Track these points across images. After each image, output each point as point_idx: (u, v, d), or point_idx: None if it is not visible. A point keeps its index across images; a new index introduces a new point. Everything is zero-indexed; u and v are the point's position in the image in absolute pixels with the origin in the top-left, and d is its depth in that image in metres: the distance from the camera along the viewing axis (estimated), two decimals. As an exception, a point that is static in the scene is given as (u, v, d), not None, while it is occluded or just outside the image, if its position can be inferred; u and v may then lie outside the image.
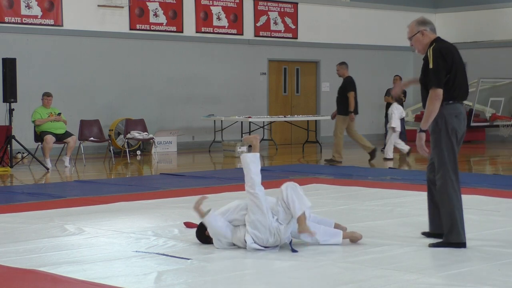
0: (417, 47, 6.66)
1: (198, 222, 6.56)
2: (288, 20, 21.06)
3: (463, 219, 6.37)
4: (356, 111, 14.99)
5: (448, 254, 6.12)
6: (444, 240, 6.36)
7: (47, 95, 14.96)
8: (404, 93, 18.37)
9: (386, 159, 15.81)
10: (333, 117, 15.71)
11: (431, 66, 6.40)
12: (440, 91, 6.34)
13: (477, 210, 8.38)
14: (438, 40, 6.63)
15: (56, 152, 15.48)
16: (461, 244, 6.32)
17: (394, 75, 18.98)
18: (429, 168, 6.83)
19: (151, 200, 9.42)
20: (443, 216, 6.39)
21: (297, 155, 17.97)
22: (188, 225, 7.30)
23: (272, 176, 12.27)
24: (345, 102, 14.87)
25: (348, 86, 14.95)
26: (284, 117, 19.59)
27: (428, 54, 6.47)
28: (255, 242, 6.16)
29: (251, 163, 6.35)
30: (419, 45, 6.64)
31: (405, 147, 16.11)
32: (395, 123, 16.02)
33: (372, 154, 15.29)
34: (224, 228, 6.27)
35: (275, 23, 20.84)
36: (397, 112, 16.07)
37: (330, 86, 21.18)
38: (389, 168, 14.33)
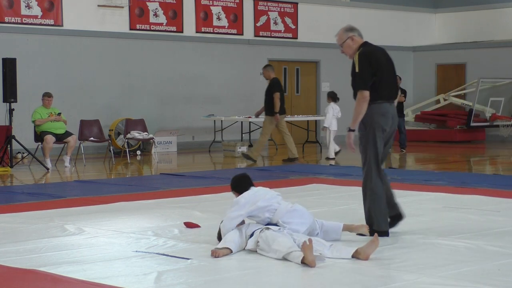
0: (348, 53, 6.98)
1: (198, 222, 6.54)
2: (288, 20, 21.06)
3: (384, 210, 6.81)
4: (282, 111, 15.39)
5: (448, 254, 6.12)
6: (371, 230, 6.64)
7: (47, 95, 14.96)
8: (404, 93, 18.38)
9: (328, 159, 16.07)
10: (256, 115, 16.68)
11: (357, 70, 6.78)
12: (366, 93, 6.72)
13: (477, 210, 8.38)
14: (365, 44, 7.06)
15: (56, 152, 15.48)
16: (383, 233, 6.63)
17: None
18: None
19: (151, 200, 9.42)
20: (365, 208, 6.83)
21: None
22: (188, 225, 7.30)
23: (272, 176, 12.27)
24: (272, 103, 15.30)
25: (274, 87, 15.33)
26: (284, 117, 19.56)
27: (355, 59, 6.83)
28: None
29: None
30: (350, 50, 7.01)
31: (336, 147, 16.33)
32: (327, 122, 16.48)
33: (290, 160, 15.59)
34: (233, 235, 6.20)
35: (275, 23, 20.85)
36: (331, 111, 16.43)
37: (330, 86, 21.17)
38: (390, 168, 14.33)
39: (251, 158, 15.33)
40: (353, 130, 6.80)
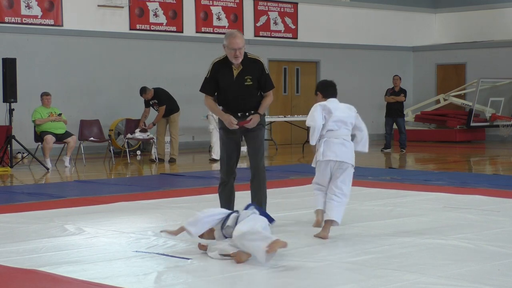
0: (241, 57, 7.29)
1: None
2: (288, 20, 21.06)
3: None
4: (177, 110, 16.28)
5: (448, 254, 6.12)
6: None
7: (46, 94, 14.98)
8: (404, 92, 18.37)
9: (211, 159, 16.09)
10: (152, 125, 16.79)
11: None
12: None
13: (477, 210, 8.39)
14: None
15: (56, 152, 15.48)
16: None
17: (394, 75, 18.99)
18: None
19: (151, 200, 9.42)
20: (263, 197, 7.63)
21: (297, 155, 17.97)
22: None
23: (272, 176, 12.27)
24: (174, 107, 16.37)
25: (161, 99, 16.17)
26: (284, 117, 19.59)
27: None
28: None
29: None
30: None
31: None
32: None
33: (159, 160, 15.94)
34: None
35: (275, 23, 20.85)
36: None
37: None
38: (390, 168, 14.33)
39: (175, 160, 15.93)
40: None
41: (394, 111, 18.27)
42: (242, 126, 7.36)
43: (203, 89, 7.56)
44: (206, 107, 7.77)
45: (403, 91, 18.29)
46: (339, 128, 7.00)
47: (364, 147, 7.29)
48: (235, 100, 7.44)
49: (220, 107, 7.56)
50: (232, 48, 7.25)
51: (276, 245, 5.66)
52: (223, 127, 7.51)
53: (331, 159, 6.93)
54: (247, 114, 7.42)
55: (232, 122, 7.31)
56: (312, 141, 7.00)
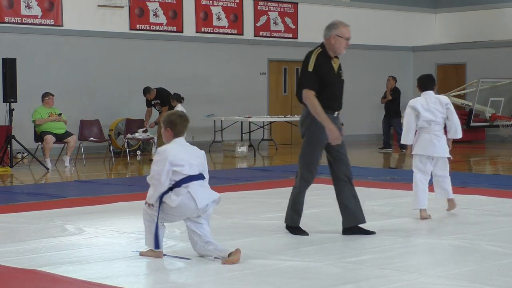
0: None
1: None
2: (288, 20, 21.06)
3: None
4: None
5: (448, 254, 6.13)
6: None
7: (49, 94, 14.98)
8: (396, 92, 18.31)
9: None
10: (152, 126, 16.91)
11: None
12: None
13: (477, 210, 8.39)
14: None
15: (56, 152, 15.48)
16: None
17: (395, 75, 18.97)
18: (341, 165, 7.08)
19: (151, 200, 9.40)
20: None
21: (297, 155, 17.84)
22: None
23: (272, 176, 12.28)
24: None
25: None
26: (284, 117, 19.59)
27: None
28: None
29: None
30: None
31: None
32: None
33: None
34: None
35: (275, 23, 20.84)
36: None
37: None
38: (389, 167, 14.34)
39: None
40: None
41: (387, 111, 18.32)
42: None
43: (309, 84, 6.68)
44: (309, 106, 6.73)
45: (395, 91, 18.26)
46: (429, 125, 7.88)
47: (456, 134, 8.12)
48: (339, 98, 6.86)
49: None
50: (346, 37, 6.83)
51: (231, 261, 5.73)
52: (320, 127, 6.76)
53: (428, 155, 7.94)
54: (336, 114, 6.88)
55: (339, 137, 6.69)
56: (408, 140, 7.96)
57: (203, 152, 6.25)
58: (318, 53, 6.78)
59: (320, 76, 6.69)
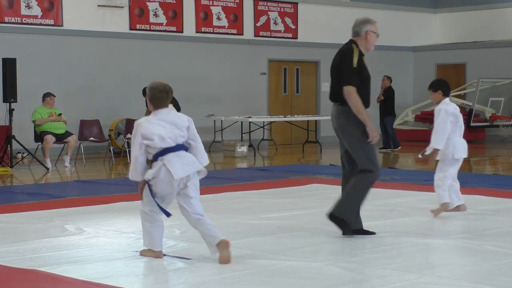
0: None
1: None
2: (288, 20, 21.06)
3: None
4: None
5: (448, 254, 6.13)
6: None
7: (50, 95, 14.97)
8: (389, 91, 18.29)
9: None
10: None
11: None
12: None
13: (477, 210, 8.38)
14: None
15: (56, 152, 15.48)
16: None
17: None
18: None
19: (151, 200, 9.40)
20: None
21: (297, 155, 17.96)
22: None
23: (272, 176, 12.28)
24: None
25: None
26: (284, 117, 19.59)
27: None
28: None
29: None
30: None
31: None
32: None
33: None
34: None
35: (275, 23, 20.84)
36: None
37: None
38: (390, 167, 14.33)
39: None
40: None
41: (381, 110, 18.37)
42: None
43: (352, 80, 6.66)
44: (352, 103, 6.78)
45: (389, 91, 18.26)
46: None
47: None
48: (369, 95, 6.81)
49: None
50: (378, 34, 6.77)
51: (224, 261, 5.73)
52: (356, 125, 6.81)
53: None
54: None
55: (377, 136, 6.74)
56: (441, 145, 7.89)
57: (188, 119, 6.19)
58: (357, 50, 6.68)
59: (361, 73, 6.65)
